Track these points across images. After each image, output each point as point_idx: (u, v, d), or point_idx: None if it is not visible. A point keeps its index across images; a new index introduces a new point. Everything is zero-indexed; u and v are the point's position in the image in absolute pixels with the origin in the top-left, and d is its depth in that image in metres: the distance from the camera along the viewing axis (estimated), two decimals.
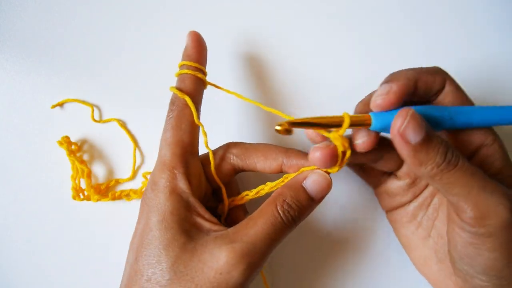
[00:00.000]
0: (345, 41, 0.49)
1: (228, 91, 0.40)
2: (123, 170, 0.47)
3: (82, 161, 0.46)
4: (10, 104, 0.47)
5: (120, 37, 0.48)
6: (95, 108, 0.47)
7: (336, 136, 0.32)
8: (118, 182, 0.46)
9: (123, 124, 0.47)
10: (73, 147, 0.46)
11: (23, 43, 0.48)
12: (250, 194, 0.38)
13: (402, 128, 0.30)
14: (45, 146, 0.46)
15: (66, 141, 0.45)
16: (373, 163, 0.37)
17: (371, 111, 0.33)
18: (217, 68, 0.43)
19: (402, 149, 0.31)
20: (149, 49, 0.48)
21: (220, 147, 0.39)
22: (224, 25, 0.49)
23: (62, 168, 0.46)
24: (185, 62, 0.38)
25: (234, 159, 0.38)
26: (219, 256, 0.31)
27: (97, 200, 0.44)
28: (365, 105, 0.36)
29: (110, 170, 0.47)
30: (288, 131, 0.31)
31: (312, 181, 0.34)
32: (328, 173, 0.35)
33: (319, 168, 0.35)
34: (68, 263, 0.45)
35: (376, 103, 0.32)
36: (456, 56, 0.48)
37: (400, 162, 0.38)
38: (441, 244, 0.38)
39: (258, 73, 0.48)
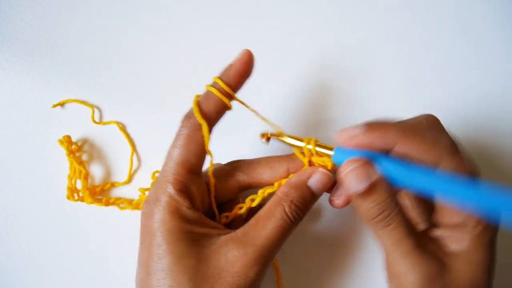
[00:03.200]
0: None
1: (254, 111, 0.38)
2: (119, 173, 0.47)
3: (80, 162, 0.46)
4: (10, 104, 0.47)
5: (124, 38, 0.48)
6: (95, 109, 0.47)
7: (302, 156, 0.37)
8: (113, 185, 0.46)
9: (122, 128, 0.47)
10: (73, 147, 0.46)
11: (23, 43, 0.48)
12: (244, 206, 0.38)
13: (344, 174, 0.32)
14: (45, 146, 0.46)
15: (67, 141, 0.45)
16: None
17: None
18: None
19: (344, 188, 0.33)
20: (153, 54, 0.48)
21: (226, 163, 0.40)
22: (225, 28, 0.48)
23: (63, 168, 0.46)
24: (220, 82, 0.36)
25: (240, 175, 0.38)
26: (235, 262, 0.32)
27: (90, 203, 0.44)
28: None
29: (107, 171, 0.47)
30: (268, 140, 0.38)
31: (317, 180, 0.36)
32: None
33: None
34: (62, 263, 0.45)
35: (340, 139, 0.33)
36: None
37: None
38: None
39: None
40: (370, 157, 0.32)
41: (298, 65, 0.48)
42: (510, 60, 0.48)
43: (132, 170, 0.46)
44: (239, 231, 0.34)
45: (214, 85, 0.36)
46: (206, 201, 0.38)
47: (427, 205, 0.37)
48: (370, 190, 0.31)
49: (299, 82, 0.48)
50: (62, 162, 0.46)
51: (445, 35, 0.49)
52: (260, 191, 0.37)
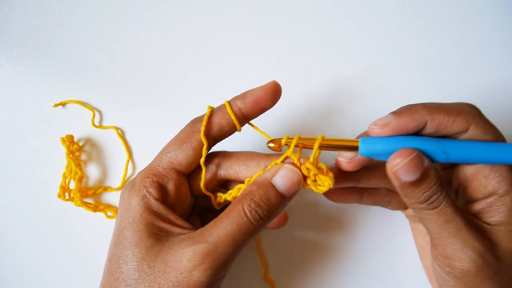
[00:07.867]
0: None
1: (262, 133, 0.37)
2: (115, 178, 0.47)
3: (78, 164, 0.46)
4: (10, 104, 0.47)
5: (124, 39, 0.49)
6: (96, 112, 0.48)
7: (309, 166, 0.33)
8: (105, 189, 0.47)
9: (121, 134, 0.48)
10: (74, 146, 0.46)
11: (23, 43, 0.48)
12: (233, 192, 0.37)
13: (395, 168, 0.31)
14: (45, 145, 0.47)
15: (69, 140, 0.46)
16: (385, 205, 0.41)
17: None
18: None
19: (392, 180, 0.32)
20: (157, 58, 0.48)
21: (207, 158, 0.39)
22: (229, 36, 0.48)
23: (62, 167, 0.46)
24: (237, 103, 0.36)
25: (214, 169, 0.38)
26: (181, 257, 0.31)
27: (79, 206, 0.44)
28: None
29: (103, 173, 0.47)
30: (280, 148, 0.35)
31: (282, 176, 0.33)
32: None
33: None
34: (54, 259, 0.45)
35: (373, 131, 0.33)
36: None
37: None
38: None
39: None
40: (403, 142, 0.32)
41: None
42: (510, 60, 0.48)
43: (126, 177, 0.47)
44: (197, 231, 0.33)
45: (232, 101, 0.36)
46: (187, 202, 0.38)
47: (453, 182, 0.38)
48: (420, 178, 0.31)
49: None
50: (61, 162, 0.46)
51: (444, 36, 0.50)
52: (237, 186, 0.37)
